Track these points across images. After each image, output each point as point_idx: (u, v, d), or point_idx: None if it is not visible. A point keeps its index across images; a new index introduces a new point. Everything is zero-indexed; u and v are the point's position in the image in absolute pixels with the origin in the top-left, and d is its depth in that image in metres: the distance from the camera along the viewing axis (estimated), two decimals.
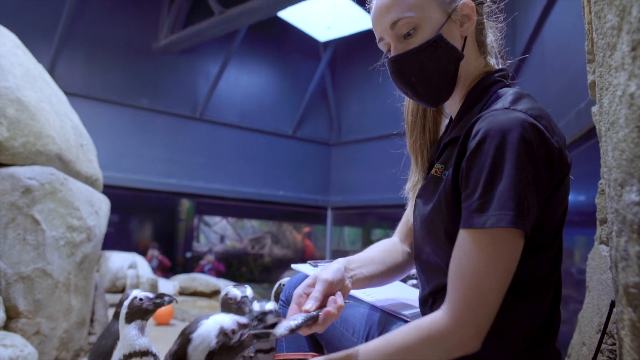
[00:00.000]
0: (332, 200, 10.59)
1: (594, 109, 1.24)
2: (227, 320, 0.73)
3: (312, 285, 0.93)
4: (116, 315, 1.79)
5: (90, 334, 3.08)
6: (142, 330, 1.23)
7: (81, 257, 2.72)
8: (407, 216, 1.17)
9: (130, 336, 1.22)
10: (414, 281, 1.51)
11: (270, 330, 0.75)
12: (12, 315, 2.37)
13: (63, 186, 2.65)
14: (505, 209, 0.76)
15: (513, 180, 0.76)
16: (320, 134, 10.52)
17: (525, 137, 0.77)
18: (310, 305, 0.85)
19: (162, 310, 4.24)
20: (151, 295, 1.30)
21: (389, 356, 0.82)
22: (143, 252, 8.13)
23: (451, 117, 1.05)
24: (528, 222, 0.78)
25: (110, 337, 1.71)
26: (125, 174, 7.90)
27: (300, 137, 10.23)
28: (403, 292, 1.22)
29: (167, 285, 6.74)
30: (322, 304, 0.89)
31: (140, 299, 1.27)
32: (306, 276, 1.20)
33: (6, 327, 2.31)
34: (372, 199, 9.65)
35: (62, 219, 2.62)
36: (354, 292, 1.14)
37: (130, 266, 6.41)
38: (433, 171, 0.97)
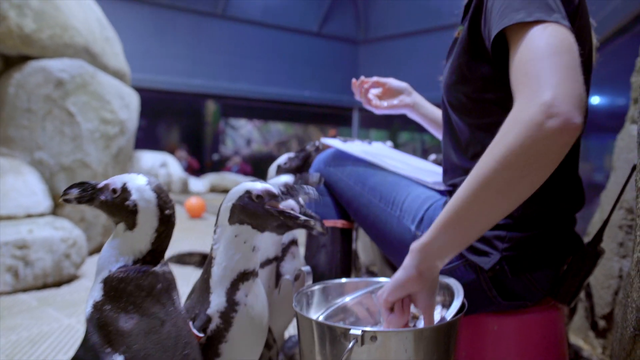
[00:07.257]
0: (358, 100, 10.36)
1: None
2: (259, 185, 0.78)
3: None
4: None
5: None
6: None
7: (117, 149, 2.83)
8: None
9: None
10: (434, 156, 1.53)
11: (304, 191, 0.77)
12: (58, 203, 2.54)
13: (93, 79, 2.68)
14: (538, 10, 0.69)
15: None
16: (347, 30, 10.09)
17: None
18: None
19: (195, 204, 4.46)
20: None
21: (497, 162, 0.65)
22: (171, 155, 8.37)
23: None
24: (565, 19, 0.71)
25: None
26: (150, 75, 7.89)
27: (326, 35, 9.85)
28: (423, 165, 1.24)
29: (198, 184, 7.01)
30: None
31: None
32: (337, 150, 1.22)
33: (54, 214, 2.49)
34: None
35: (96, 112, 2.69)
36: (376, 160, 1.13)
37: (162, 165, 6.64)
38: (456, 34, 0.95)
